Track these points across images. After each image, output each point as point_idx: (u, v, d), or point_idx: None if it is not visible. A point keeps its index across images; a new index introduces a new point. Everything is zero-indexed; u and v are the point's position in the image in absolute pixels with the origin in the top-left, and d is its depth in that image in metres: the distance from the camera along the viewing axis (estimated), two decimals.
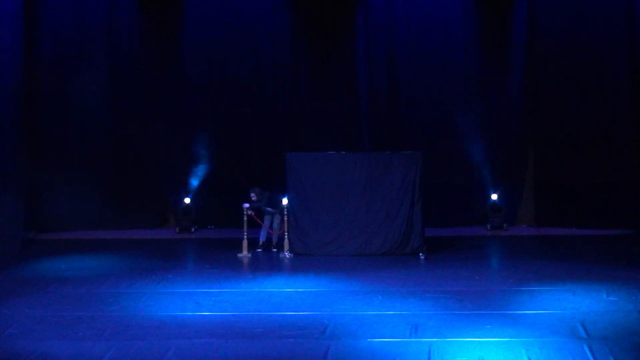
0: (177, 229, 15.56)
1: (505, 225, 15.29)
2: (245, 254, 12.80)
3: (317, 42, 15.88)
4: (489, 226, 15.22)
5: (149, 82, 15.91)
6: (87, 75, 15.59)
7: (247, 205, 13.06)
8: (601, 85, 14.92)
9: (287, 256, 12.66)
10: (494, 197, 15.24)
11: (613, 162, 14.52)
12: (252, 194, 13.18)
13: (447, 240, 13.93)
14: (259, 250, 13.15)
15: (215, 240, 14.58)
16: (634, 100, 14.76)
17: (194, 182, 15.96)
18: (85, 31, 15.62)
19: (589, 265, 11.75)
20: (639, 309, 8.97)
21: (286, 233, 12.83)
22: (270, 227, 13.31)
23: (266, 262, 12.43)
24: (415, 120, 15.68)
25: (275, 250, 13.09)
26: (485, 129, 15.58)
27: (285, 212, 12.85)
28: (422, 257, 12.38)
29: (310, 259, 12.46)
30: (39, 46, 15.36)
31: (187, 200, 15.59)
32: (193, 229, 15.54)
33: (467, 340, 7.87)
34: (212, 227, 15.94)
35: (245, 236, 12.86)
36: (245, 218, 12.98)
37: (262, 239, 13.31)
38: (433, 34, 15.67)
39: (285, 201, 12.85)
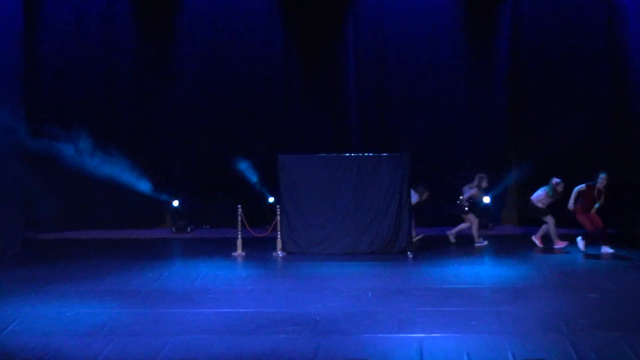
0: (174, 229, 15.75)
1: (490, 224, 15.50)
2: (239, 252, 13.00)
3: (307, 44, 16.12)
4: None
5: (144, 83, 16.14)
6: (84, 77, 15.80)
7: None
8: (584, 89, 15.24)
9: (280, 255, 12.88)
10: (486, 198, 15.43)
11: (594, 163, 14.67)
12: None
13: (434, 239, 14.11)
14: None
15: (211, 240, 14.78)
16: (615, 102, 15.03)
17: (190, 183, 16.12)
18: (83, 35, 15.84)
19: (571, 263, 11.99)
20: (620, 306, 9.17)
21: (278, 232, 13.06)
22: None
23: (259, 260, 12.57)
24: (403, 122, 15.94)
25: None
26: (471, 130, 15.83)
27: (278, 212, 13.08)
28: (410, 255, 12.59)
29: (301, 257, 12.68)
30: (38, 48, 15.57)
31: (176, 203, 15.75)
32: (189, 229, 15.73)
33: (454, 336, 8.03)
34: (208, 226, 16.12)
35: (239, 235, 13.05)
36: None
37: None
38: (421, 36, 15.95)
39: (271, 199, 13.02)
